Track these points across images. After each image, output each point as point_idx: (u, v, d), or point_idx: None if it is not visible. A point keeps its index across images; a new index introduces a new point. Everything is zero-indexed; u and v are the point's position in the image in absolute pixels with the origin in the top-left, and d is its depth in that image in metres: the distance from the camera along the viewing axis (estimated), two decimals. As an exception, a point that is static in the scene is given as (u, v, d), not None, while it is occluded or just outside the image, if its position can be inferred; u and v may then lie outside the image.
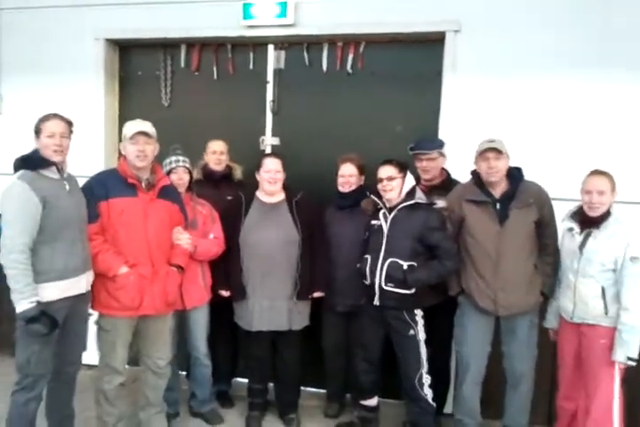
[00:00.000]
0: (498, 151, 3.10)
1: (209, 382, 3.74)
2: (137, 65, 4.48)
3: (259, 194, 3.56)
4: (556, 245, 3.24)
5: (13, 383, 2.89)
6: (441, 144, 3.54)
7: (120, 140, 4.33)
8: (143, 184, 3.07)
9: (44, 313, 2.71)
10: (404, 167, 3.27)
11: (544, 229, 3.20)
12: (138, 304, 3.02)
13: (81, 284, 2.91)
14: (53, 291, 2.79)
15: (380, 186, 3.27)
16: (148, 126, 3.08)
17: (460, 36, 3.76)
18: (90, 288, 3.01)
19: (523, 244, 3.17)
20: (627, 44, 3.53)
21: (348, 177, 3.58)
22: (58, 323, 2.77)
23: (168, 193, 3.16)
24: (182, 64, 4.34)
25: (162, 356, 3.26)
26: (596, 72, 3.58)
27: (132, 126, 3.06)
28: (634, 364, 2.86)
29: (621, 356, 2.86)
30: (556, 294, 3.21)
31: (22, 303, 2.68)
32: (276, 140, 4.23)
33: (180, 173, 3.42)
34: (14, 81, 4.44)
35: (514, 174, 3.20)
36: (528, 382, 3.32)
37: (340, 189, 3.61)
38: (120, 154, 3.19)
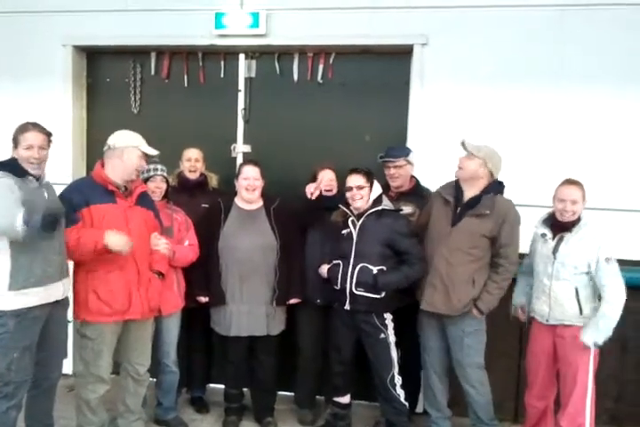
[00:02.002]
0: (468, 151, 3.23)
1: (175, 389, 3.75)
2: (105, 72, 4.45)
3: (237, 201, 3.61)
4: (508, 267, 3.22)
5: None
6: (407, 152, 3.65)
7: (88, 147, 4.43)
8: (121, 191, 3.09)
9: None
10: (370, 176, 3.38)
11: (498, 250, 3.21)
12: (127, 308, 3.04)
13: (58, 290, 2.90)
14: (33, 297, 2.77)
15: (348, 194, 3.37)
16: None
17: (427, 49, 3.91)
18: (67, 295, 3.00)
19: (464, 251, 3.21)
20: (584, 57, 3.75)
21: (330, 182, 3.68)
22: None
23: (144, 200, 3.20)
24: (152, 72, 4.34)
25: (143, 362, 3.28)
26: (560, 83, 3.79)
27: (148, 146, 3.11)
28: (597, 348, 3.04)
29: (589, 339, 3.01)
30: (518, 288, 3.39)
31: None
32: (247, 148, 4.28)
33: (157, 181, 3.46)
34: (-22, 87, 4.36)
35: (491, 186, 3.27)
36: (477, 386, 3.35)
37: (324, 193, 3.66)
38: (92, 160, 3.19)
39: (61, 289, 2.93)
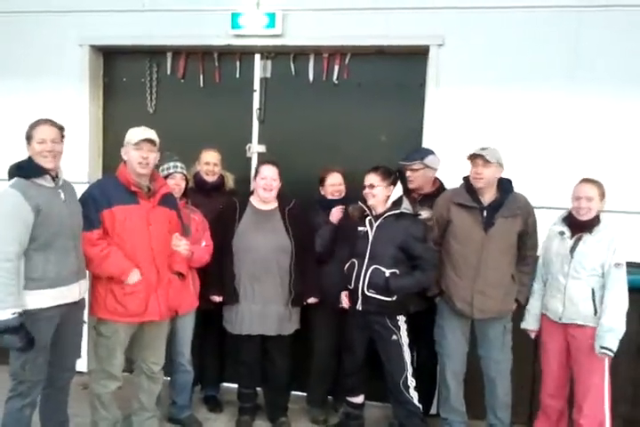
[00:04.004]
0: (485, 159, 3.23)
1: (189, 388, 3.76)
2: (122, 72, 4.47)
3: (253, 200, 3.62)
4: (535, 256, 3.39)
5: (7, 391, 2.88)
6: (423, 156, 3.62)
7: (104, 147, 4.46)
8: (144, 191, 3.09)
9: (23, 326, 2.66)
10: (389, 176, 3.34)
11: (526, 241, 3.35)
12: (143, 311, 3.05)
13: (73, 292, 2.91)
14: (45, 298, 2.78)
15: (364, 192, 3.37)
16: (153, 134, 3.11)
17: (443, 50, 3.90)
18: (83, 296, 3.02)
19: (504, 252, 3.30)
20: (599, 59, 3.74)
21: (338, 186, 3.73)
22: (34, 341, 2.72)
23: (167, 200, 3.20)
24: (168, 71, 4.36)
25: (156, 361, 3.30)
26: (575, 85, 3.77)
27: (138, 133, 3.08)
28: (611, 354, 3.01)
29: (597, 347, 3.02)
30: (535, 295, 3.35)
31: (3, 313, 2.63)
32: (262, 148, 4.29)
33: (177, 178, 3.47)
34: (-4, 86, 4.39)
35: (504, 185, 3.34)
36: (504, 384, 3.43)
37: (331, 197, 3.73)
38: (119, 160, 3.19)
39: (77, 291, 2.94)
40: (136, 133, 3.08)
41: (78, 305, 3.00)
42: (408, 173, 3.62)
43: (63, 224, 2.82)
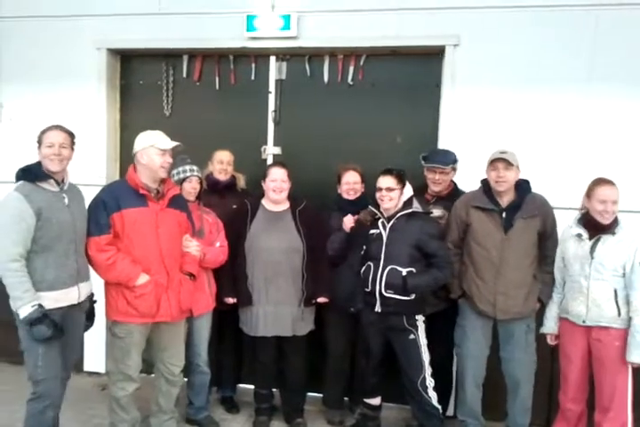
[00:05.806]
0: (508, 162, 3.23)
1: (206, 389, 3.78)
2: (138, 74, 4.51)
3: (264, 202, 3.63)
4: (553, 255, 3.36)
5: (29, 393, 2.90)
6: (455, 159, 3.62)
7: (121, 149, 4.49)
8: (153, 194, 3.12)
9: (46, 315, 2.75)
10: (402, 178, 3.36)
11: (546, 241, 3.34)
12: (155, 312, 3.08)
13: (72, 296, 2.94)
14: (43, 300, 2.81)
15: (378, 195, 3.36)
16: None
17: (458, 50, 3.88)
18: (84, 299, 3.04)
19: (525, 252, 3.30)
20: (615, 59, 3.70)
21: (353, 184, 3.70)
22: (60, 326, 2.80)
23: (176, 202, 3.22)
24: (184, 74, 4.39)
25: (176, 363, 3.32)
26: (591, 85, 3.74)
27: (164, 139, 3.13)
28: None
29: (637, 357, 2.98)
30: (554, 299, 3.33)
31: (24, 308, 2.73)
32: (277, 150, 4.30)
33: (194, 182, 3.49)
34: (15, 89, 4.44)
35: (522, 186, 3.34)
36: (527, 386, 3.43)
37: (346, 196, 3.71)
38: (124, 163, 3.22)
39: (76, 294, 2.97)
40: (161, 139, 3.12)
41: (79, 307, 3.03)
42: (437, 177, 3.59)
43: (64, 228, 2.87)
